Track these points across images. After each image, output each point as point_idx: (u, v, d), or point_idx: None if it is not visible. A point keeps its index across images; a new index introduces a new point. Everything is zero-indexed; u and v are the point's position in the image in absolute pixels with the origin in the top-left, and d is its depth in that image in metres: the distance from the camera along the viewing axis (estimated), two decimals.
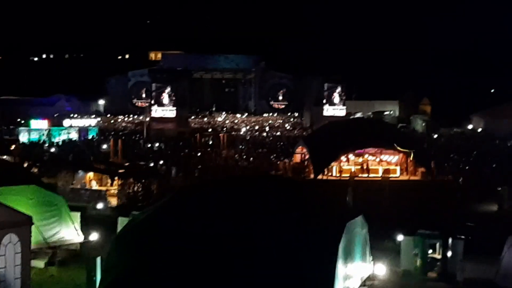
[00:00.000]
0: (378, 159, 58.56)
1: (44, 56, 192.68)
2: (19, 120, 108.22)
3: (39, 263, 31.48)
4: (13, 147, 75.13)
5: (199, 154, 73.63)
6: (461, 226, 38.70)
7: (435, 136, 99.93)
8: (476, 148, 77.90)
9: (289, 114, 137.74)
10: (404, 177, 56.79)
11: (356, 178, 54.07)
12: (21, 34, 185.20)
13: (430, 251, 31.74)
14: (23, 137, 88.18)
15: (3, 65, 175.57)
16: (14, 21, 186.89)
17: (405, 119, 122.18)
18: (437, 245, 31.98)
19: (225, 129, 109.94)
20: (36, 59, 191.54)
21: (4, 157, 62.91)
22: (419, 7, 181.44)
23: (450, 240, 31.36)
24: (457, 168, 62.87)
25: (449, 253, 31.20)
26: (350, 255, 25.77)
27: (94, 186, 52.55)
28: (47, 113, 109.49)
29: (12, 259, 25.94)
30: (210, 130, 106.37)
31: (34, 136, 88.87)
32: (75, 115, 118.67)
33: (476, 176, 58.21)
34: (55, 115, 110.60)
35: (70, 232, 34.45)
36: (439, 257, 31.84)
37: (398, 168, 57.81)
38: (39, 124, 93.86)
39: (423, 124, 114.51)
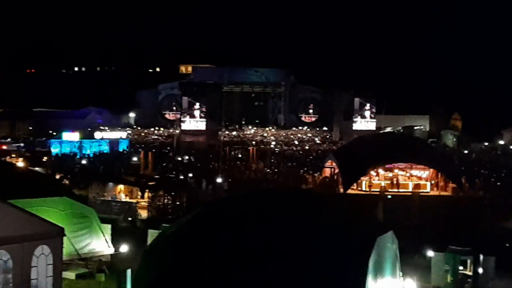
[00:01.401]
0: (408, 174, 58.22)
1: (76, 69, 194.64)
2: (51, 132, 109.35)
3: (70, 275, 31.72)
4: (45, 159, 75.93)
5: (228, 167, 73.76)
6: (493, 243, 38.30)
7: (466, 151, 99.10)
8: (507, 164, 77.11)
9: (318, 128, 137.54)
10: (435, 193, 56.37)
11: (386, 193, 53.80)
12: (54, 48, 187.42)
13: (461, 267, 31.46)
14: (55, 149, 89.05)
15: (36, 78, 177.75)
16: (47, 35, 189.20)
17: (436, 134, 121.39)
18: (468, 261, 31.68)
19: (254, 142, 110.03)
20: (68, 72, 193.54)
21: (37, 168, 63.57)
22: (450, 23, 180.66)
23: (481, 257, 31.06)
24: (488, 184, 62.25)
25: (480, 270, 30.89)
26: (380, 271, 25.63)
27: (124, 198, 52.83)
28: (79, 125, 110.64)
29: (44, 270, 26.21)
30: (239, 143, 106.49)
31: (66, 148, 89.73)
32: (106, 128, 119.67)
33: (507, 192, 57.58)
34: (87, 128, 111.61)
35: (100, 243, 34.66)
36: (470, 273, 31.55)
37: (428, 183, 57.41)
38: (71, 136, 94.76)
39: (454, 139, 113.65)
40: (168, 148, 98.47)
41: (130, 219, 46.76)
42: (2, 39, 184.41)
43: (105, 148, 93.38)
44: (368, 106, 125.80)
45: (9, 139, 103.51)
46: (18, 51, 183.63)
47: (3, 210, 25.50)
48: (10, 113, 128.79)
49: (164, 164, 74.30)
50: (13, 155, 77.81)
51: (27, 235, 25.76)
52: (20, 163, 69.10)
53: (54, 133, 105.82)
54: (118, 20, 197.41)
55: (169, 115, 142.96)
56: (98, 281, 30.79)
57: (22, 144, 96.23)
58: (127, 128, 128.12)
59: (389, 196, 52.51)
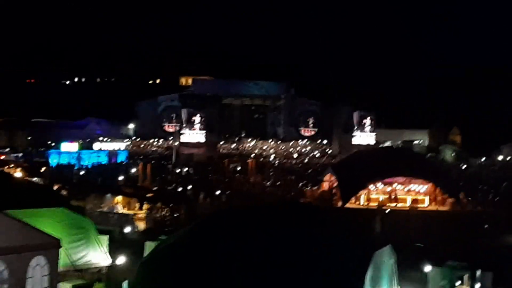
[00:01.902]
0: (406, 189, 58.22)
1: (75, 79, 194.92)
2: (49, 142, 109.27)
3: (66, 286, 31.57)
4: (43, 169, 75.84)
5: (227, 179, 73.70)
6: (491, 258, 38.17)
7: (465, 166, 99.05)
8: (506, 179, 77.02)
9: (317, 141, 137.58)
10: (433, 207, 56.37)
11: (384, 207, 53.77)
12: (54, 58, 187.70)
13: (458, 282, 31.36)
14: (53, 160, 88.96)
15: (36, 88, 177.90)
16: (47, 45, 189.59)
17: (435, 149, 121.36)
18: (465, 277, 31.59)
19: (253, 155, 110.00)
20: (67, 82, 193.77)
21: (34, 179, 63.50)
22: (450, 35, 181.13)
23: (478, 272, 30.97)
24: (487, 199, 62.18)
25: (478, 286, 30.80)
26: (378, 285, 25.56)
27: (122, 209, 52.74)
28: (78, 136, 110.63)
29: (39, 281, 26.13)
30: (238, 156, 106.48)
31: (64, 159, 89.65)
32: (105, 139, 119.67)
33: (506, 207, 57.49)
34: (86, 139, 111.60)
35: (97, 255, 34.54)
36: None
37: (427, 197, 57.40)
38: (69, 147, 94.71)
39: (453, 154, 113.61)
40: (167, 160, 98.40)
41: (127, 231, 46.61)
42: (2, 48, 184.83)
43: (104, 159, 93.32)
44: (367, 119, 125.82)
45: (7, 149, 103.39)
46: (18, 60, 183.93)
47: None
48: (9, 123, 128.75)
49: (162, 176, 74.25)
50: (11, 165, 77.75)
51: (23, 245, 25.68)
52: (18, 174, 69.08)
53: (53, 144, 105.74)
54: (119, 31, 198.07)
55: (169, 127, 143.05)
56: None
57: (20, 154, 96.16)
58: (126, 139, 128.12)
59: (387, 210, 52.48)
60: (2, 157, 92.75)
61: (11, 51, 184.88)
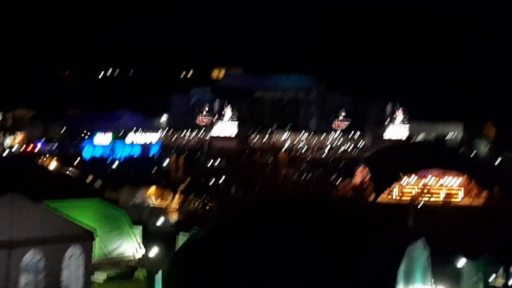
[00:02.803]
0: (440, 182, 57.75)
1: (109, 72, 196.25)
2: (83, 134, 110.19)
3: (100, 276, 31.89)
4: (77, 161, 76.53)
5: (258, 172, 73.71)
6: None
7: (499, 160, 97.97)
8: None
9: (349, 134, 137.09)
10: (467, 201, 55.89)
11: (417, 201, 53.44)
12: (88, 50, 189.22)
13: (493, 277, 31.09)
14: (87, 152, 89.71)
15: (70, 81, 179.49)
16: (82, 38, 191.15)
17: (468, 143, 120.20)
18: (500, 271, 31.31)
19: (285, 148, 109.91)
20: (101, 75, 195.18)
21: (69, 170, 64.11)
22: (485, 30, 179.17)
23: None
24: None
25: None
26: (411, 279, 25.46)
27: (155, 201, 52.99)
28: (111, 128, 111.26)
29: (75, 271, 26.42)
30: (270, 149, 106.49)
31: (98, 151, 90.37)
32: (139, 131, 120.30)
33: None
34: (119, 131, 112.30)
35: (131, 246, 34.84)
36: (501, 284, 31.17)
37: (460, 191, 56.91)
38: (103, 139, 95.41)
39: (486, 148, 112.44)
40: (199, 152, 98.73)
41: (160, 222, 46.87)
42: (38, 41, 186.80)
43: (137, 151, 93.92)
44: (399, 112, 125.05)
45: (42, 141, 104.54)
46: (53, 53, 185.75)
47: (36, 210, 25.80)
48: (43, 115, 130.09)
49: (195, 168, 74.49)
50: (46, 157, 78.56)
51: (59, 236, 26.01)
52: (53, 165, 69.81)
53: (87, 135, 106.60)
54: (154, 25, 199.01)
55: (201, 120, 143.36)
56: (137, 278, 30.98)
57: (55, 146, 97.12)
58: (159, 132, 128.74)
59: (421, 204, 52.14)
60: (37, 148, 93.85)
61: (47, 44, 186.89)
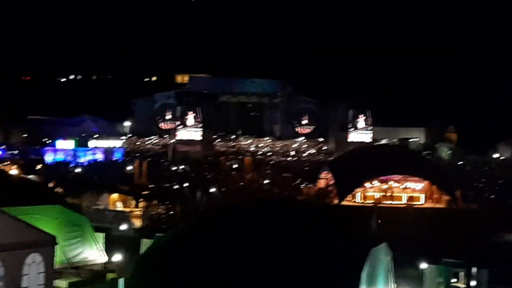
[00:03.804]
0: (402, 186, 58.28)
1: (71, 77, 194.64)
2: (45, 140, 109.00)
3: (62, 283, 31.56)
4: (39, 167, 75.70)
5: (223, 177, 73.66)
6: (487, 256, 38.21)
7: (460, 164, 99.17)
8: (502, 177, 77.16)
9: (314, 139, 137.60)
10: (429, 205, 56.46)
11: (380, 205, 53.83)
12: (48, 55, 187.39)
13: (454, 280, 31.40)
14: (49, 157, 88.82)
15: (31, 85, 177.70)
16: (42, 42, 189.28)
17: (431, 147, 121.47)
18: (461, 274, 31.63)
19: (250, 153, 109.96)
20: (63, 79, 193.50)
21: (30, 176, 63.40)
22: (448, 34, 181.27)
23: (474, 270, 31.01)
24: (482, 196, 62.28)
25: (473, 283, 30.84)
26: (374, 282, 25.60)
27: (119, 207, 52.70)
28: (73, 133, 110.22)
29: (35, 278, 26.06)
30: (235, 153, 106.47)
31: (60, 156, 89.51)
32: (101, 136, 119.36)
33: (501, 205, 57.60)
34: (81, 136, 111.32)
35: (93, 252, 34.55)
36: (463, 286, 31.49)
37: (422, 195, 57.48)
38: (65, 145, 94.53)
39: (449, 151, 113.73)
40: (163, 157, 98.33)
41: (123, 228, 46.59)
42: None
43: (100, 157, 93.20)
44: (362, 117, 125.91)
45: (3, 146, 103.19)
46: (13, 58, 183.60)
47: None
48: (4, 120, 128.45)
49: (159, 174, 74.18)
50: (7, 163, 77.60)
51: (18, 242, 25.63)
52: (14, 171, 69.00)
53: (49, 141, 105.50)
54: (115, 28, 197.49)
55: (165, 125, 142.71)
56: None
57: (16, 152, 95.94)
58: (122, 137, 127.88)
59: (383, 208, 52.54)
60: None
61: (6, 49, 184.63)
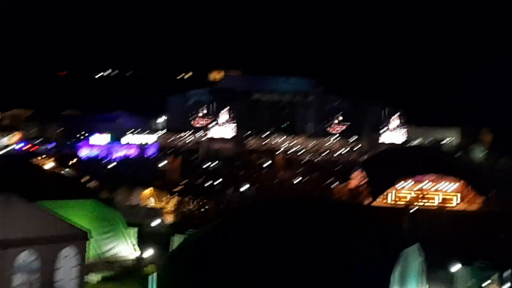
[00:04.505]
0: (436, 187, 57.79)
1: (107, 73, 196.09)
2: (80, 135, 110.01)
3: (94, 277, 31.86)
4: (73, 161, 76.40)
5: (255, 175, 73.69)
6: None
7: (495, 165, 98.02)
8: None
9: (346, 138, 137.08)
10: (463, 206, 55.92)
11: (413, 205, 53.46)
12: (85, 51, 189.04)
13: (487, 282, 31.11)
14: (84, 152, 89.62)
15: (67, 81, 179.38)
16: (79, 38, 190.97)
17: (465, 148, 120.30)
18: (494, 277, 31.32)
19: (282, 151, 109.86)
20: (99, 76, 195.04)
21: (65, 171, 64.01)
22: (483, 35, 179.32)
23: (507, 273, 30.70)
24: None
25: (506, 286, 30.55)
26: (405, 283, 25.48)
27: (151, 203, 52.94)
28: (108, 129, 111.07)
29: (69, 271, 26.40)
30: (267, 151, 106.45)
31: (94, 152, 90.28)
32: (135, 132, 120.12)
33: None
34: (116, 132, 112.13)
35: (126, 247, 34.79)
36: None
37: (456, 196, 56.95)
38: (100, 140, 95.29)
39: (483, 153, 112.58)
40: (196, 154, 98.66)
41: (155, 224, 46.83)
42: (35, 41, 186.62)
43: (133, 152, 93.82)
44: (396, 117, 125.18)
45: (39, 141, 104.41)
46: (51, 53, 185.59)
47: (31, 211, 25.78)
48: (40, 115, 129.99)
49: (191, 170, 74.44)
50: (42, 157, 78.43)
51: (53, 236, 25.99)
52: (49, 165, 69.71)
53: (84, 136, 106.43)
54: (152, 26, 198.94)
55: (198, 122, 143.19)
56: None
57: (51, 146, 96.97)
58: (156, 133, 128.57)
59: (415, 209, 52.16)
60: (34, 148, 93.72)
61: (45, 44, 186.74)
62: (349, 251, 24.42)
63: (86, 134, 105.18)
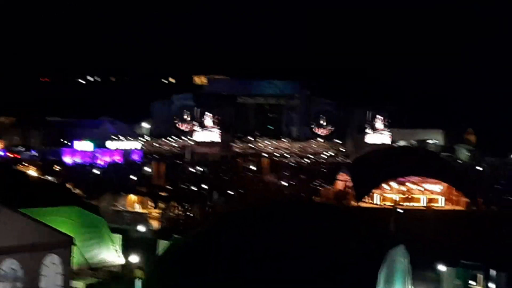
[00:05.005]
0: (421, 188, 57.95)
1: (91, 79, 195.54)
2: (64, 141, 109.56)
3: (79, 284, 31.65)
4: (57, 168, 76.09)
5: (241, 179, 73.61)
6: (506, 259, 37.88)
7: (479, 166, 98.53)
8: None
9: (332, 140, 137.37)
10: (448, 207, 56.09)
11: (398, 207, 53.56)
12: (68, 57, 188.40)
13: (473, 282, 31.16)
14: (68, 159, 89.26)
15: (51, 87, 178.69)
16: (62, 44, 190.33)
17: (450, 149, 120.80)
18: (480, 277, 31.38)
19: (267, 154, 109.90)
20: (82, 81, 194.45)
21: (48, 178, 63.73)
22: (467, 37, 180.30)
23: (493, 273, 30.76)
24: (502, 199, 61.78)
25: (492, 286, 30.60)
26: (391, 284, 25.48)
27: (137, 208, 52.77)
28: (92, 135, 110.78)
29: (53, 279, 26.19)
30: (253, 155, 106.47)
31: (78, 158, 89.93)
32: (120, 138, 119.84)
33: None
34: (100, 138, 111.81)
35: (111, 253, 34.59)
36: None
37: (441, 197, 57.13)
38: (84, 146, 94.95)
39: (468, 153, 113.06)
40: (181, 158, 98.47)
41: (141, 229, 46.65)
42: (18, 47, 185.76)
43: (118, 158, 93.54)
44: (381, 119, 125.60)
45: (21, 148, 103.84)
46: (33, 60, 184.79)
47: (13, 218, 25.54)
48: (23, 122, 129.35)
49: (177, 175, 74.26)
50: (25, 164, 78.06)
51: (37, 244, 25.77)
52: (32, 172, 69.36)
53: (68, 143, 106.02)
54: (135, 30, 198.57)
55: (183, 126, 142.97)
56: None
57: (35, 153, 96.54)
58: (141, 139, 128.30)
59: (401, 210, 52.26)
60: (17, 155, 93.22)
61: (27, 50, 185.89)
62: (332, 252, 24.40)
63: (70, 141, 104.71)
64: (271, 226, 26.22)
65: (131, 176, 71.88)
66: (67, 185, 59.53)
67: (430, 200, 56.51)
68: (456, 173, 64.46)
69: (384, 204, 55.51)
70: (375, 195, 56.65)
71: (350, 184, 58.29)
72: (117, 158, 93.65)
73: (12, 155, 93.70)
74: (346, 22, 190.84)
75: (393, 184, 57.82)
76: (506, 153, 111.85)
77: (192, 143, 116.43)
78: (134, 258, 35.04)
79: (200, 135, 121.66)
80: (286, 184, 70.04)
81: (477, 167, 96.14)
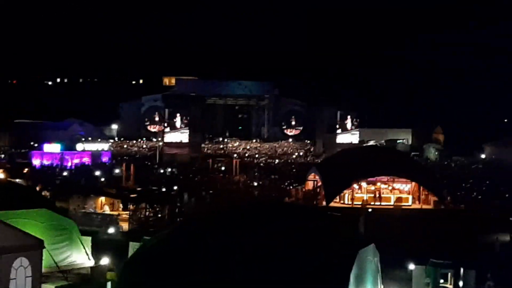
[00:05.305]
0: (390, 187, 58.39)
1: (58, 80, 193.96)
2: (32, 143, 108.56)
3: (49, 287, 31.40)
4: (25, 170, 75.36)
5: (211, 179, 73.57)
6: (474, 256, 38.32)
7: (447, 164, 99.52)
8: (489, 178, 77.48)
9: (302, 141, 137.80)
10: (417, 206, 56.58)
11: (368, 206, 53.91)
12: (36, 58, 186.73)
13: (442, 280, 31.44)
14: (36, 161, 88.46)
15: (18, 89, 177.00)
16: (29, 46, 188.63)
17: (418, 148, 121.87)
18: (449, 275, 31.68)
19: (237, 155, 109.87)
20: (50, 83, 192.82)
21: (17, 180, 63.10)
22: (431, 36, 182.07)
23: (462, 270, 31.08)
24: (469, 197, 62.50)
25: (461, 283, 30.91)
26: (362, 284, 25.60)
27: (106, 210, 52.52)
28: (60, 137, 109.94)
29: (23, 282, 25.94)
30: (222, 156, 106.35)
31: (47, 160, 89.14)
32: (88, 139, 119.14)
33: (489, 206, 57.80)
34: (69, 140, 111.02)
35: (81, 256, 34.38)
36: (450, 287, 31.55)
37: (410, 196, 57.62)
38: (52, 148, 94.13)
39: (436, 152, 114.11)
40: (151, 160, 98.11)
41: (111, 231, 46.43)
42: None
43: (87, 160, 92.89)
44: (350, 119, 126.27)
45: None
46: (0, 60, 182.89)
47: None
48: None
49: (146, 176, 73.97)
50: None
51: (5, 247, 25.49)
52: (0, 175, 68.63)
53: (36, 145, 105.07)
54: (100, 31, 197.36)
55: (152, 127, 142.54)
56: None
57: (2, 156, 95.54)
58: (109, 140, 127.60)
59: (370, 209, 52.64)
60: None
61: None
62: (303, 252, 24.46)
63: (38, 143, 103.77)
64: (240, 226, 26.25)
65: (100, 178, 71.52)
66: (36, 188, 59.08)
67: (400, 199, 56.96)
68: (425, 172, 64.98)
69: (354, 204, 55.82)
70: (345, 195, 56.97)
71: (320, 184, 58.53)
72: (86, 160, 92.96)
73: None
74: (316, 20, 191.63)
75: (363, 184, 58.20)
76: (473, 151, 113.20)
77: (162, 144, 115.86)
78: (105, 260, 34.87)
79: (169, 136, 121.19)
80: (257, 185, 70.16)
81: (445, 166, 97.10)
